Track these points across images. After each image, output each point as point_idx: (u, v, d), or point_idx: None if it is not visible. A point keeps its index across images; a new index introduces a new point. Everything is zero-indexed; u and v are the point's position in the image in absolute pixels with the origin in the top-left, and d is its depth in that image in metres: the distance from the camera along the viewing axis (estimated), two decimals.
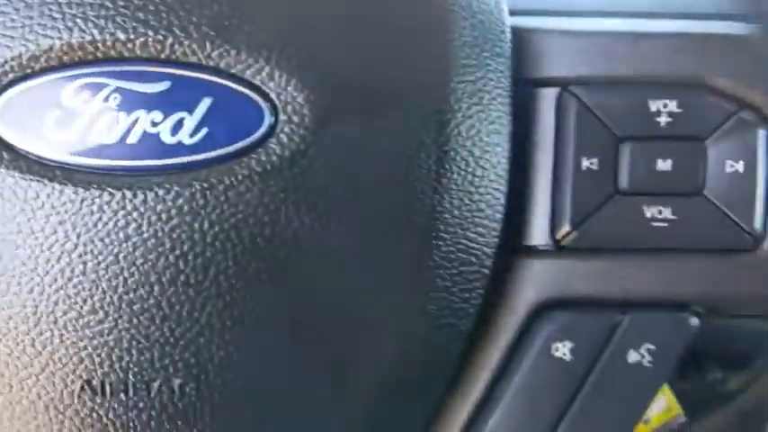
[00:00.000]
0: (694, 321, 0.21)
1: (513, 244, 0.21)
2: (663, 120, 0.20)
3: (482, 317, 0.21)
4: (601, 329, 0.20)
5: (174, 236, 0.17)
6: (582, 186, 0.20)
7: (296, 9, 0.18)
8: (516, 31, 0.20)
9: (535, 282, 0.21)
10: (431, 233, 0.19)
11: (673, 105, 0.20)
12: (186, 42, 0.17)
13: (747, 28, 0.21)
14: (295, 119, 0.17)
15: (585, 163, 0.20)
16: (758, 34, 0.20)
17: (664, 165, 0.20)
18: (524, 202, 0.21)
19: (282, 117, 0.17)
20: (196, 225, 0.17)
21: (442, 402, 0.22)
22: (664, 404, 0.41)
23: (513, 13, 0.21)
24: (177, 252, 0.17)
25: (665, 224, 0.20)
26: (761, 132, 0.20)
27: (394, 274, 0.19)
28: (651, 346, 0.20)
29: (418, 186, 0.18)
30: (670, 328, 0.20)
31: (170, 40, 0.17)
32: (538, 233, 0.21)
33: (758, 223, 0.20)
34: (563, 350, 0.20)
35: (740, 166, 0.20)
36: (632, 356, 0.20)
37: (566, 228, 0.20)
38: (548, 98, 0.20)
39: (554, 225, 0.21)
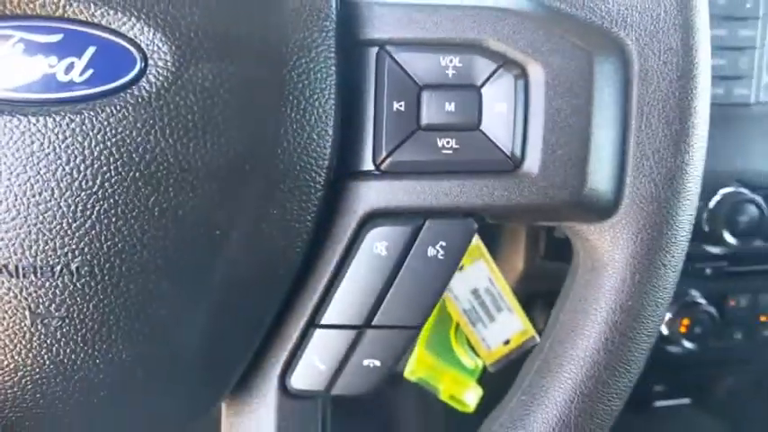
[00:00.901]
0: (474, 225, 0.27)
1: (346, 170, 0.27)
2: (450, 72, 0.26)
3: (324, 227, 0.27)
4: (408, 232, 0.27)
5: (69, 151, 0.23)
6: (394, 124, 0.26)
7: None
8: (345, 1, 0.26)
9: (362, 198, 0.27)
10: (272, 153, 0.24)
11: (456, 61, 0.26)
12: (75, 3, 0.22)
13: (518, 2, 0.27)
14: (161, 63, 0.23)
15: (396, 106, 0.26)
16: (522, 7, 0.26)
17: (450, 107, 0.26)
18: (353, 136, 0.27)
19: (151, 62, 0.23)
20: (85, 143, 0.23)
21: (291, 296, 0.28)
22: (520, 327, 0.48)
23: None
24: (71, 164, 0.23)
25: (452, 152, 0.26)
26: (519, 82, 0.26)
27: (242, 184, 0.24)
28: (444, 243, 0.27)
29: (260, 117, 0.24)
30: (457, 230, 0.27)
31: (62, 2, 0.22)
32: (364, 160, 0.27)
33: (517, 151, 0.26)
34: (381, 248, 0.27)
35: (504, 108, 0.26)
36: (431, 252, 0.27)
37: (383, 156, 0.27)
38: (370, 55, 0.26)
39: (375, 154, 0.27)
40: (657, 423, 0.78)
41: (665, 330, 0.65)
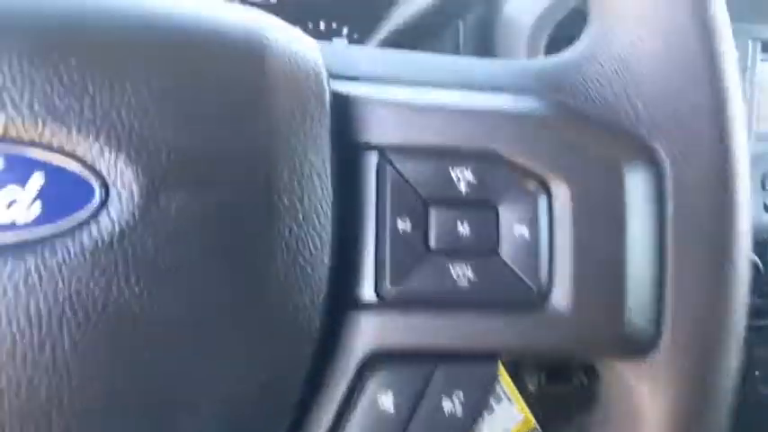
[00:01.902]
0: (496, 371, 0.23)
1: (344, 299, 0.22)
2: (462, 187, 0.22)
3: (317, 371, 0.22)
4: (417, 380, 0.22)
5: (10, 312, 0.18)
6: (398, 246, 0.22)
7: (126, 89, 0.19)
8: (339, 98, 0.22)
9: (362, 335, 0.22)
10: (259, 293, 0.20)
11: (468, 173, 0.22)
12: (19, 121, 0.18)
13: (537, 105, 0.23)
14: (124, 193, 0.19)
15: (401, 224, 0.22)
16: (542, 112, 0.23)
17: (463, 228, 0.22)
18: (352, 258, 0.22)
19: (113, 191, 0.19)
20: (31, 300, 0.18)
21: None
22: (521, 418, 0.45)
23: (335, 76, 0.22)
24: (14, 328, 0.18)
25: (467, 282, 0.22)
26: (542, 199, 0.23)
27: (225, 332, 0.20)
28: (461, 393, 0.22)
29: (246, 250, 0.20)
30: (476, 376, 0.23)
31: (2, 119, 0.18)
32: (364, 289, 0.22)
33: (543, 281, 0.22)
34: (386, 402, 0.22)
35: (525, 230, 0.22)
36: (446, 405, 0.22)
37: (386, 284, 0.22)
38: (370, 162, 0.22)
39: (377, 282, 0.22)
40: None
41: None
